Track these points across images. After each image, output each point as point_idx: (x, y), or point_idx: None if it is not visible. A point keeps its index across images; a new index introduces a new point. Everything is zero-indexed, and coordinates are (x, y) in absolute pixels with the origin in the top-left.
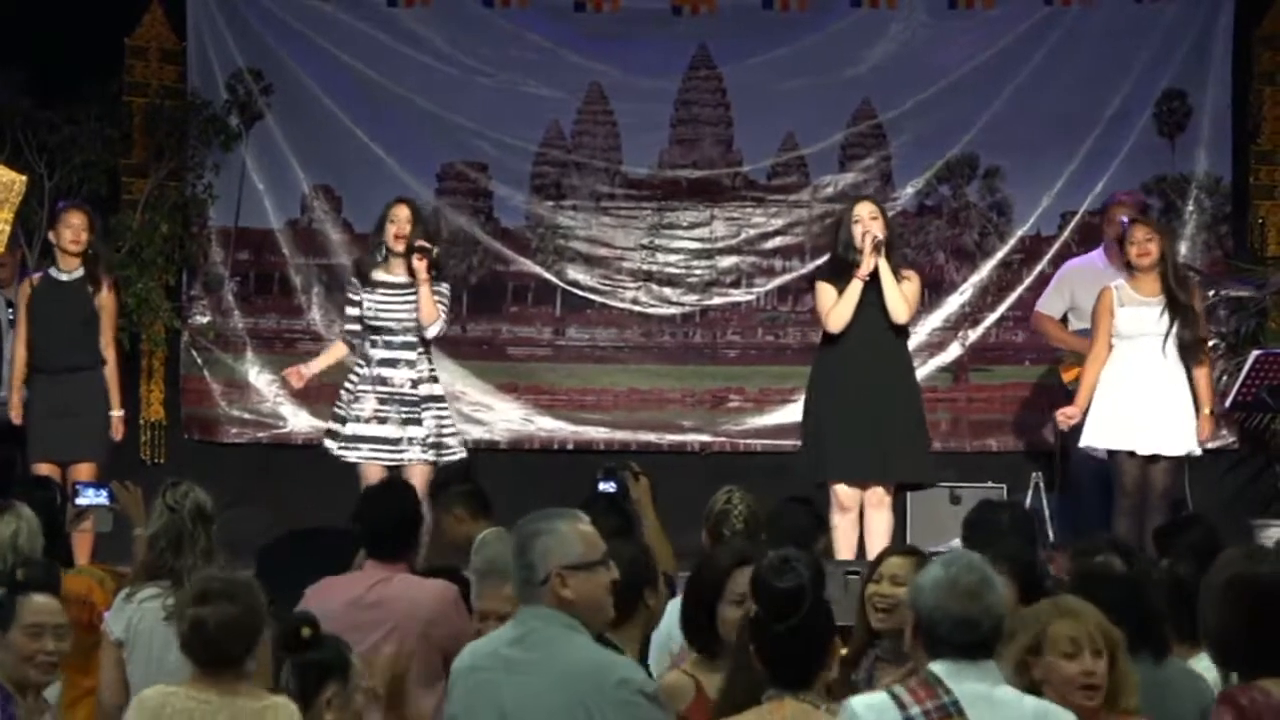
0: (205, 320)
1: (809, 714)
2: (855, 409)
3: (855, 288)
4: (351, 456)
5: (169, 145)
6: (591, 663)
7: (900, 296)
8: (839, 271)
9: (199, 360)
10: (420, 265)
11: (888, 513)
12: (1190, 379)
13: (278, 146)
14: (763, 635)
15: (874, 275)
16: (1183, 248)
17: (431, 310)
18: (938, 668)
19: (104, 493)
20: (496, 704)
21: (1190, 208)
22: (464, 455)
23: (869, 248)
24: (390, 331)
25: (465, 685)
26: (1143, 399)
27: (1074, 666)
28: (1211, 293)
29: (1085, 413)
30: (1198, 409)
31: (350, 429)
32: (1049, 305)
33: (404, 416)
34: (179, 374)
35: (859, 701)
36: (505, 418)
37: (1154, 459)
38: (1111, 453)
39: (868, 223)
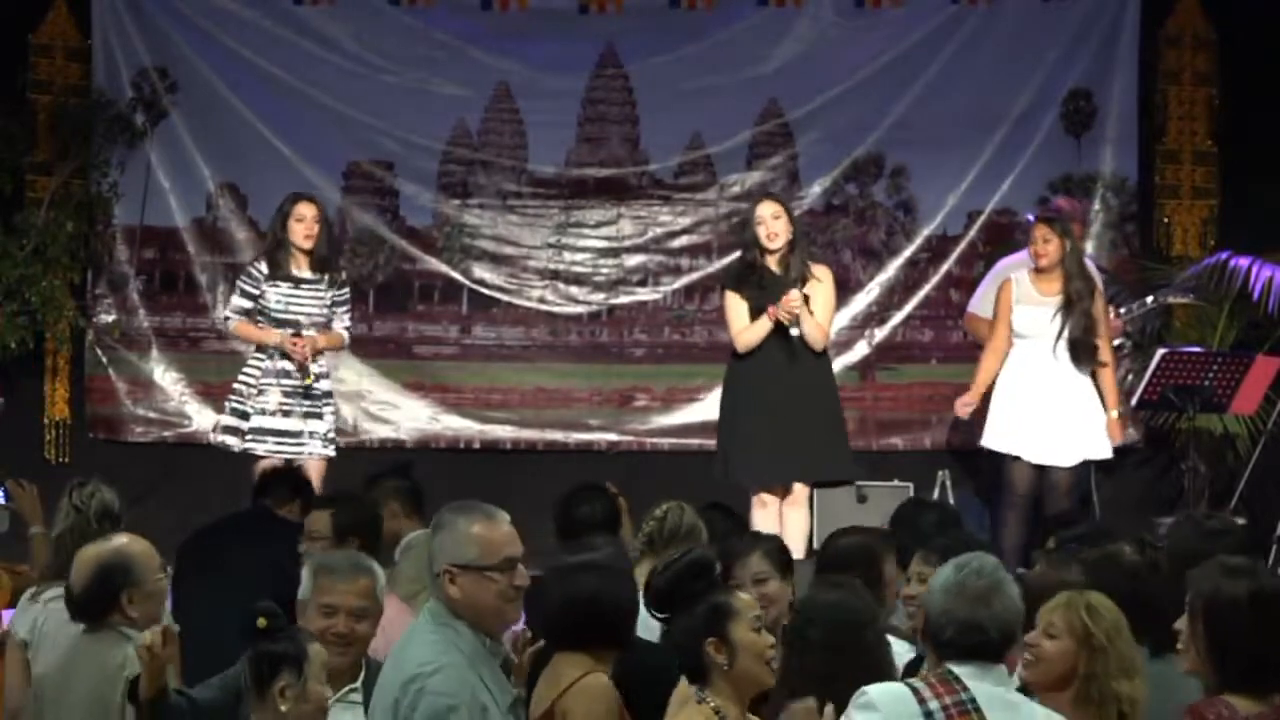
0: (110, 319)
1: (695, 713)
2: (772, 413)
3: (763, 325)
4: (259, 449)
5: (74, 143)
6: (407, 657)
7: (817, 329)
8: (746, 274)
9: (104, 359)
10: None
11: (804, 510)
12: (1095, 381)
13: (183, 144)
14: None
15: None
16: (1089, 246)
17: (335, 342)
18: (954, 667)
19: None
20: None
21: (1096, 207)
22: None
23: (783, 317)
24: (297, 325)
25: None
26: (1035, 405)
27: None
28: (1150, 300)
29: (984, 402)
30: (1106, 410)
31: (255, 421)
32: (982, 306)
33: (306, 410)
34: (84, 373)
35: (877, 689)
36: (412, 416)
37: (1048, 467)
38: (1004, 454)
39: (769, 222)
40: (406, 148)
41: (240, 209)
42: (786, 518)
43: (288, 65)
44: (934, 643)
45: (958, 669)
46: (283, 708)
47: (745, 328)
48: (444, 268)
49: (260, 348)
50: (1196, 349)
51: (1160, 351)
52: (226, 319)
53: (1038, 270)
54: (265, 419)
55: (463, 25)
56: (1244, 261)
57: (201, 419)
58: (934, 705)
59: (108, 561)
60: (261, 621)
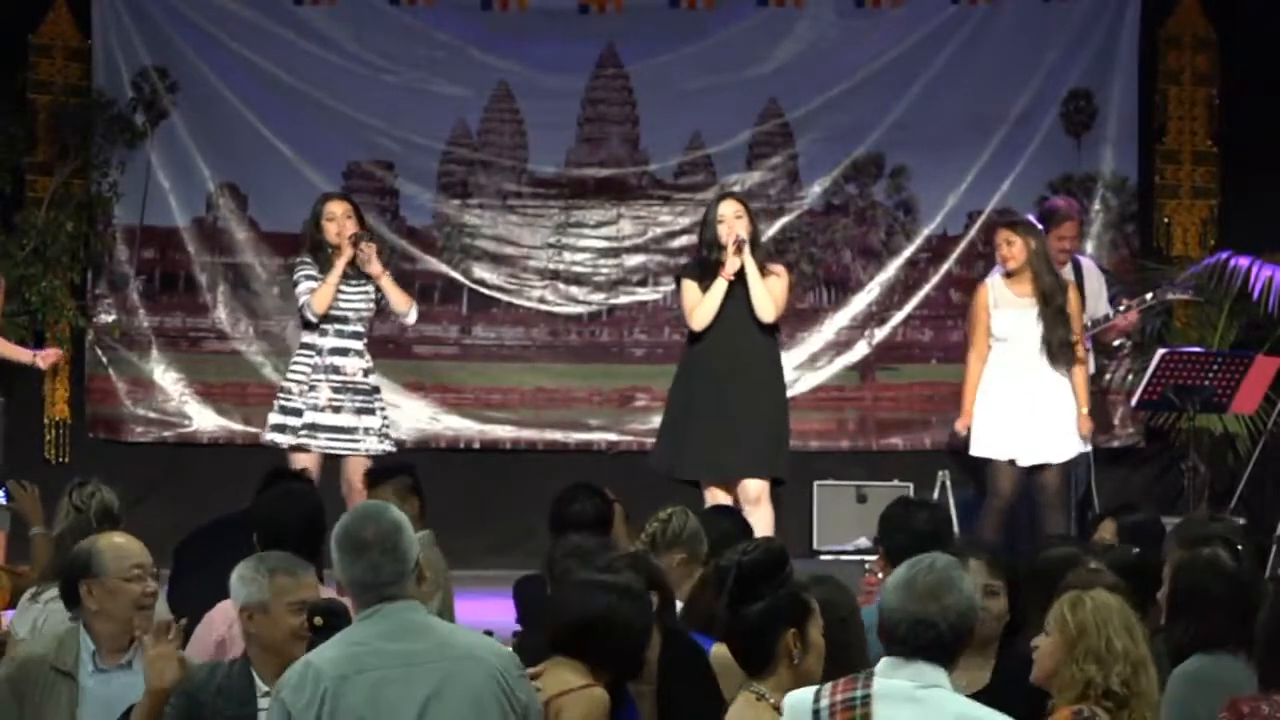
0: (111, 319)
1: (751, 706)
2: (714, 407)
3: (719, 287)
4: (312, 445)
5: (74, 143)
6: (486, 644)
7: (766, 295)
8: (704, 270)
9: (104, 359)
10: (370, 257)
11: (768, 509)
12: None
13: (183, 144)
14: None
15: (740, 274)
16: (1089, 246)
17: (404, 298)
18: (881, 662)
19: (0, 492)
20: (410, 698)
21: (1097, 207)
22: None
23: (732, 248)
24: (344, 320)
25: (353, 690)
26: (1021, 407)
27: None
28: (1150, 296)
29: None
30: (1079, 407)
31: (308, 418)
32: None
33: (358, 406)
34: (84, 373)
35: (793, 694)
36: (412, 416)
37: (1039, 466)
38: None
39: (731, 221)
40: (406, 148)
41: (240, 209)
42: (750, 517)
43: (288, 65)
44: (887, 641)
45: (882, 663)
46: None
47: (699, 301)
48: (444, 268)
49: (305, 346)
50: (1196, 349)
51: (1160, 351)
52: (305, 304)
53: (1008, 274)
54: (317, 415)
55: (463, 25)
56: (1244, 261)
57: (201, 419)
58: (824, 703)
59: (73, 552)
60: (317, 620)
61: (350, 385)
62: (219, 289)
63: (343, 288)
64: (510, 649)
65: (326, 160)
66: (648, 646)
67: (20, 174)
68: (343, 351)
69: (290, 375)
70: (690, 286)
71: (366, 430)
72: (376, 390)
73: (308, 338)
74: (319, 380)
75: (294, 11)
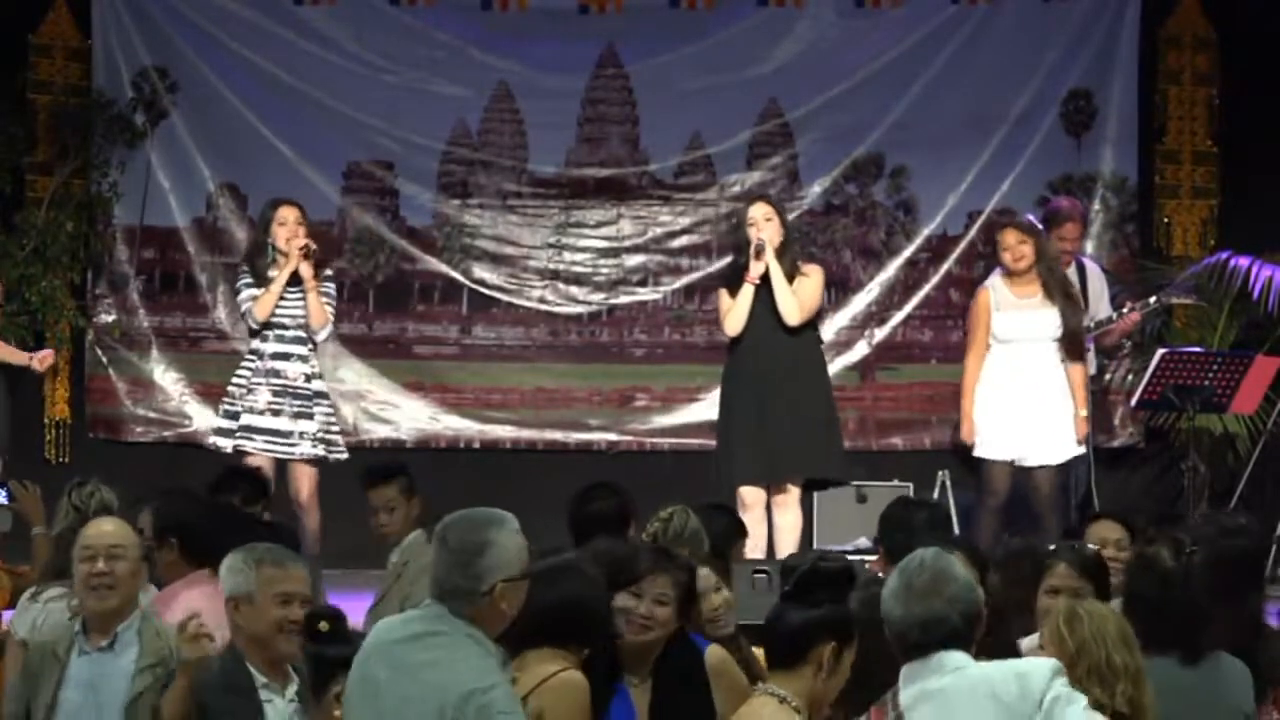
0: (111, 319)
1: (773, 708)
2: (753, 411)
3: (746, 292)
4: (248, 446)
5: (74, 143)
6: (466, 677)
7: (790, 298)
8: (739, 274)
9: (104, 359)
10: (308, 269)
11: (795, 511)
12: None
13: (183, 144)
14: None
15: (767, 277)
16: (1089, 246)
17: (321, 315)
18: (902, 671)
19: (2, 492)
20: (377, 701)
21: (1097, 207)
22: (347, 455)
23: (753, 253)
24: (283, 326)
25: (358, 672)
26: (1021, 408)
27: None
28: (1153, 299)
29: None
30: (1077, 408)
31: (245, 420)
32: None
33: (296, 410)
34: (84, 373)
35: None
36: (412, 416)
37: (1035, 467)
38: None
39: (761, 224)
40: (406, 148)
41: (240, 209)
42: (776, 519)
43: (288, 65)
44: (902, 649)
45: (903, 673)
46: (335, 713)
47: (730, 307)
48: (444, 268)
49: (251, 351)
50: (1196, 349)
51: (1160, 351)
52: (247, 311)
53: (1015, 274)
54: (254, 418)
55: (463, 25)
56: (1244, 261)
57: (201, 419)
58: None
59: None
60: (323, 625)
61: (290, 389)
62: (219, 289)
63: (283, 294)
64: (487, 694)
65: (326, 160)
66: (612, 619)
67: (20, 174)
68: (284, 356)
69: (234, 380)
70: (723, 294)
71: (302, 434)
72: (320, 395)
73: (252, 343)
74: (259, 384)
75: (294, 11)
